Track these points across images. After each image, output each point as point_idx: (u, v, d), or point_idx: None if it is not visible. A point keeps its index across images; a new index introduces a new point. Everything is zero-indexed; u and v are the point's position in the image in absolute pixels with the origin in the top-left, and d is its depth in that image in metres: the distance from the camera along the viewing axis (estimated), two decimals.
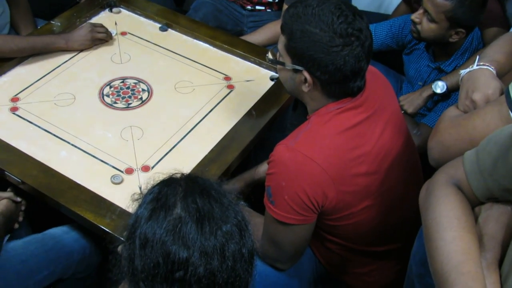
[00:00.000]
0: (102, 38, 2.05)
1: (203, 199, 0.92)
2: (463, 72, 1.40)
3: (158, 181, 0.99)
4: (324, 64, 1.27)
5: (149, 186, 0.99)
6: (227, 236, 0.90)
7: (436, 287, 0.97)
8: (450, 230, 0.98)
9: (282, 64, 1.36)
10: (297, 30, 1.28)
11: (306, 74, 1.30)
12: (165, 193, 0.94)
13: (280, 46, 1.35)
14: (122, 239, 1.04)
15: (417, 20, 1.92)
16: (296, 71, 1.32)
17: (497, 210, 1.04)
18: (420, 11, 1.91)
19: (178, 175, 1.00)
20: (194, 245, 0.87)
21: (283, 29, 1.34)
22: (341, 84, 1.31)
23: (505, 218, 1.02)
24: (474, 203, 1.06)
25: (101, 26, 2.06)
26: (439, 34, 1.90)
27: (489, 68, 1.38)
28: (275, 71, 1.97)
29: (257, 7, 2.43)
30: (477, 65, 1.38)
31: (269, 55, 1.44)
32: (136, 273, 0.89)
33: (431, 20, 1.87)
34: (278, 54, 1.39)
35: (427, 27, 1.90)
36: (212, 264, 0.87)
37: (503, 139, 0.99)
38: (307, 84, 1.32)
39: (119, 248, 0.99)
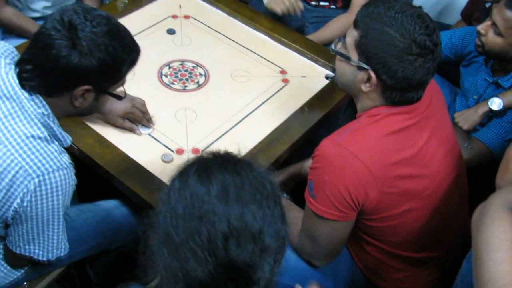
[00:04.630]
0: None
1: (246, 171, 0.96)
2: None
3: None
4: (394, 69, 1.27)
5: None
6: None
7: None
8: (501, 251, 0.98)
9: (348, 58, 1.35)
10: (374, 29, 1.28)
11: (372, 74, 1.30)
12: (194, 161, 0.98)
13: (350, 40, 1.35)
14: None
15: (483, 31, 1.89)
16: (360, 68, 1.33)
17: None
18: (488, 23, 1.88)
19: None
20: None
21: (357, 24, 1.34)
22: (403, 92, 1.32)
23: None
24: None
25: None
26: (503, 49, 1.87)
27: None
28: (331, 69, 1.97)
29: (321, 3, 2.43)
30: None
31: (333, 46, 1.44)
32: (175, 226, 0.91)
33: (498, 33, 1.84)
34: (340, 45, 1.39)
35: (492, 40, 1.87)
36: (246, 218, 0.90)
37: None
38: (368, 84, 1.32)
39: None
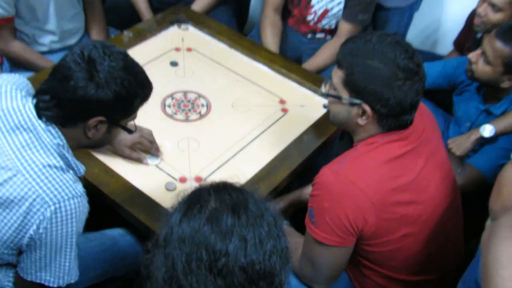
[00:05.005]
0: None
1: (237, 193, 0.94)
2: None
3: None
4: (386, 98, 1.31)
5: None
6: (264, 226, 0.91)
7: None
8: (509, 269, 1.00)
9: (339, 98, 1.39)
10: (358, 65, 1.32)
11: (366, 107, 1.33)
12: (198, 193, 0.95)
13: (336, 80, 1.38)
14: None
15: (473, 59, 1.94)
16: (353, 104, 1.36)
17: None
18: (478, 51, 1.93)
19: (208, 183, 1.01)
20: (233, 233, 0.87)
21: (340, 63, 1.37)
22: (397, 117, 1.35)
23: None
24: None
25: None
26: (492, 78, 1.92)
27: None
28: None
29: (317, 35, 2.49)
30: None
31: (323, 89, 1.46)
32: (177, 270, 0.89)
33: (487, 62, 1.89)
34: (328, 86, 1.43)
35: (482, 68, 1.92)
36: (251, 251, 0.88)
37: None
38: (364, 117, 1.36)
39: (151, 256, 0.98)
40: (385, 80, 1.29)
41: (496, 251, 1.04)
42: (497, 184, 1.32)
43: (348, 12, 2.32)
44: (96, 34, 2.39)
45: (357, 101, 1.34)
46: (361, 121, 1.37)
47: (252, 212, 0.91)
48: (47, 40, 2.26)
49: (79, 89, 1.23)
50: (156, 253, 0.94)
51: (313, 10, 2.39)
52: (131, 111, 1.36)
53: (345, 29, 2.36)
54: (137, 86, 1.30)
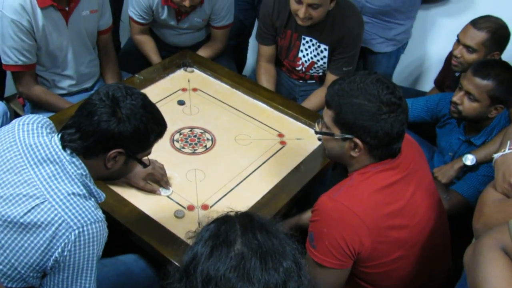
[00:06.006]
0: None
1: (262, 234, 0.88)
2: (496, 156, 1.39)
3: (214, 219, 0.94)
4: (374, 130, 1.30)
5: (205, 223, 0.94)
6: (288, 272, 0.85)
7: None
8: None
9: (332, 134, 1.38)
10: (345, 104, 1.32)
11: (357, 140, 1.33)
12: (224, 230, 0.89)
13: (327, 119, 1.39)
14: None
15: (458, 101, 1.93)
16: (345, 139, 1.35)
17: None
18: (461, 93, 1.92)
19: (233, 213, 0.95)
20: (259, 282, 0.82)
21: (329, 104, 1.37)
22: (387, 147, 1.34)
23: None
24: None
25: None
26: (481, 112, 1.91)
27: None
28: None
29: (308, 82, 2.49)
30: (509, 149, 1.37)
31: (316, 128, 1.47)
32: None
33: (474, 99, 1.88)
34: (321, 125, 1.43)
35: (469, 106, 1.90)
36: None
37: None
38: (357, 150, 1.35)
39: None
40: (371, 115, 1.29)
41: (484, 272, 1.01)
42: (478, 205, 1.31)
43: (333, 65, 2.31)
44: (111, 78, 2.39)
45: (348, 136, 1.34)
46: (354, 153, 1.36)
47: (277, 259, 0.85)
48: (65, 84, 2.26)
49: (102, 123, 1.26)
50: (176, 281, 0.89)
51: (300, 62, 2.38)
52: (147, 146, 1.38)
53: (332, 79, 2.32)
54: (154, 123, 1.34)
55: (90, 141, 1.28)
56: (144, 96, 1.34)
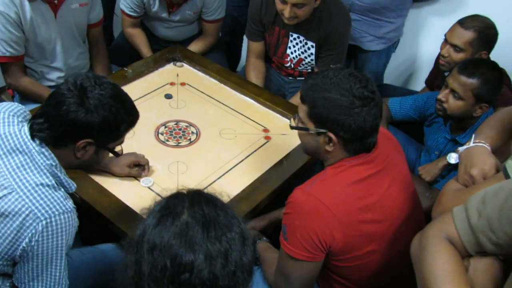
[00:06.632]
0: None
1: (209, 207, 0.90)
2: (461, 148, 1.42)
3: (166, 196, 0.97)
4: (348, 124, 1.31)
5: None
6: (231, 242, 0.87)
7: None
8: (447, 283, 0.99)
9: (306, 129, 1.40)
10: (319, 98, 1.33)
11: (331, 134, 1.34)
12: (173, 203, 0.92)
13: (302, 114, 1.40)
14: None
15: (443, 99, 1.94)
16: (319, 133, 1.37)
17: (485, 262, 1.05)
18: (446, 91, 1.93)
19: (184, 190, 0.97)
20: (200, 249, 0.84)
21: (303, 99, 1.39)
22: (361, 141, 1.35)
23: (493, 270, 1.03)
24: (463, 255, 1.07)
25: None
26: (465, 110, 1.92)
27: (484, 145, 1.39)
28: None
29: (298, 78, 2.51)
30: (473, 143, 1.39)
31: (292, 123, 1.48)
32: (143, 276, 0.86)
33: (459, 98, 1.89)
34: (296, 120, 1.44)
35: (454, 104, 1.92)
36: (216, 268, 0.84)
37: (495, 200, 1.01)
38: (331, 144, 1.36)
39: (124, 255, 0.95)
40: (344, 109, 1.30)
41: (431, 265, 1.02)
42: (439, 195, 1.33)
43: (320, 62, 2.33)
44: (100, 70, 2.42)
45: (322, 130, 1.35)
46: (329, 147, 1.37)
47: (221, 228, 0.88)
48: (54, 76, 2.28)
49: (70, 113, 1.26)
50: (129, 253, 0.91)
51: (288, 58, 2.40)
52: (117, 136, 1.37)
53: None
54: (124, 113, 1.33)
55: (58, 131, 1.28)
56: (114, 86, 1.34)
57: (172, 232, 0.86)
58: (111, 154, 1.43)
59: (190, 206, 0.90)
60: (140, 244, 0.89)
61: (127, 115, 1.34)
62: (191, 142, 1.93)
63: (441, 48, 2.21)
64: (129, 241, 0.93)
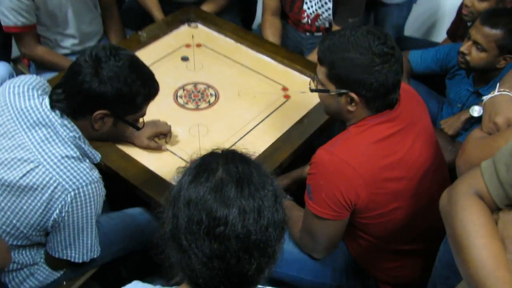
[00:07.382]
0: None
1: (243, 165, 0.92)
2: (485, 98, 1.41)
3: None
4: (369, 83, 1.30)
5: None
6: (264, 199, 0.89)
7: None
8: (480, 237, 1.00)
9: (327, 91, 1.39)
10: (337, 59, 1.32)
11: (353, 94, 1.33)
12: (208, 160, 0.94)
13: (321, 76, 1.39)
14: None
15: (466, 51, 1.91)
16: (340, 94, 1.36)
17: None
18: (469, 42, 1.90)
19: (219, 150, 0.99)
20: (234, 204, 0.86)
21: (321, 60, 1.37)
22: (383, 98, 1.35)
23: None
24: (493, 209, 1.07)
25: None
26: (489, 62, 1.89)
27: (509, 93, 1.38)
28: None
29: (315, 34, 2.47)
30: (498, 91, 1.38)
31: (311, 85, 1.46)
32: (180, 229, 0.89)
33: (482, 49, 1.86)
34: (316, 82, 1.43)
35: (477, 56, 1.89)
36: (249, 222, 0.86)
37: None
38: (353, 104, 1.35)
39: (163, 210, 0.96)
40: (364, 67, 1.29)
41: (462, 220, 1.03)
42: (464, 143, 1.33)
43: (338, 17, 2.28)
44: (114, 36, 2.41)
45: (344, 90, 1.35)
46: (351, 107, 1.37)
47: (254, 186, 0.90)
48: (68, 43, 2.28)
49: (85, 83, 1.28)
50: (166, 209, 0.94)
51: (305, 14, 2.36)
52: (135, 108, 1.38)
53: None
54: (140, 85, 1.33)
55: (74, 101, 1.30)
56: (132, 57, 1.34)
57: (208, 187, 0.88)
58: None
59: (225, 163, 0.92)
60: (177, 200, 0.91)
61: (143, 87, 1.34)
62: (210, 104, 1.94)
63: None
64: (166, 197, 0.96)
